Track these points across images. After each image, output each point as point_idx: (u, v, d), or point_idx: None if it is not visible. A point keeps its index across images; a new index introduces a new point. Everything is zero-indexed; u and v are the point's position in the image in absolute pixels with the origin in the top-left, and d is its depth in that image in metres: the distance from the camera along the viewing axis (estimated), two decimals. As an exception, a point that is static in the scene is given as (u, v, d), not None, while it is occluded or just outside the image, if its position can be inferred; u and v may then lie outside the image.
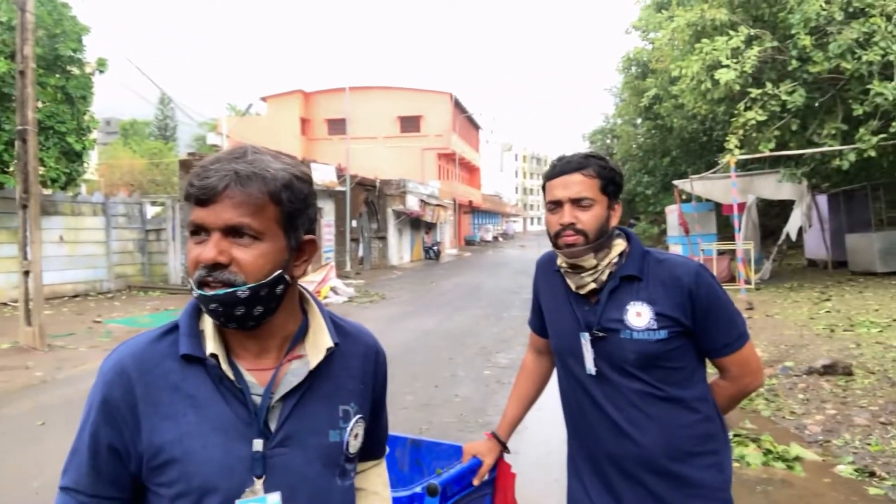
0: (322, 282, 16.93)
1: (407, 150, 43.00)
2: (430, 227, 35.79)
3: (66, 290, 16.06)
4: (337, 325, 1.23)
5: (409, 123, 44.45)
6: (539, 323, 2.01)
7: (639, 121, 27.00)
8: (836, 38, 11.56)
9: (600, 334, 1.70)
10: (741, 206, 14.47)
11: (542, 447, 4.83)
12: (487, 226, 62.96)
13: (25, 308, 9.39)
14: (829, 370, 6.39)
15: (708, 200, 17.23)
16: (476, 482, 1.88)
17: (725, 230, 19.78)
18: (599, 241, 1.70)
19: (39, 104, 14.22)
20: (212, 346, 1.10)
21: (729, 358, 1.72)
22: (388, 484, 1.42)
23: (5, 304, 14.04)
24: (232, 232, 1.04)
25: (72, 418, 5.38)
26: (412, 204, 31.25)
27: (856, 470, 4.34)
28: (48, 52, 14.94)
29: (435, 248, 34.33)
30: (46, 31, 14.78)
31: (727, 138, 13.32)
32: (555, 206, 1.73)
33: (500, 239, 64.79)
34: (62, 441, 5.34)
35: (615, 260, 1.73)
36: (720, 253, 15.48)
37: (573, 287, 1.76)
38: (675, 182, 17.56)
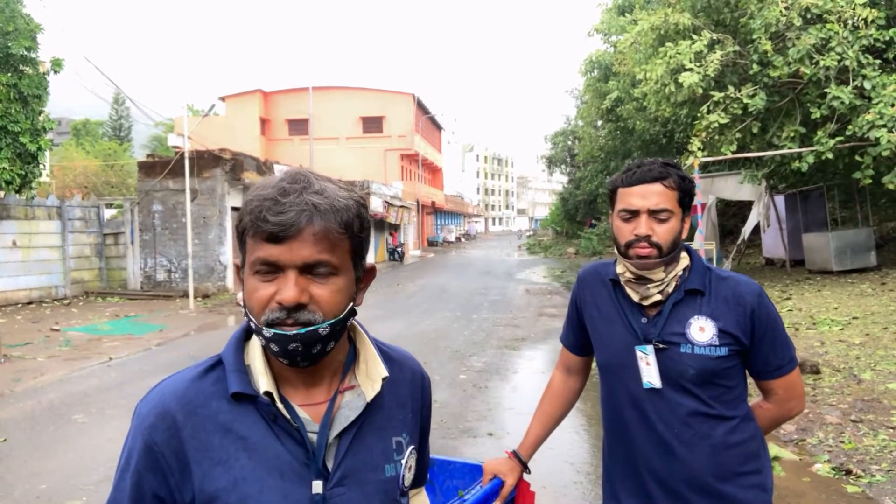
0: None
1: (370, 151, 42.74)
2: (395, 228, 35.64)
3: (19, 297, 15.50)
4: (383, 352, 1.17)
5: (372, 124, 44.19)
6: (574, 340, 1.96)
7: (600, 123, 27.36)
8: (795, 43, 11.85)
9: (661, 346, 1.66)
10: (703, 207, 14.76)
11: (546, 457, 4.82)
12: (450, 226, 63.01)
13: (-20, 317, 9.01)
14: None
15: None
16: (499, 503, 1.84)
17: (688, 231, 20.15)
18: (672, 254, 1.67)
19: (-9, 104, 13.71)
20: (265, 383, 1.03)
21: (778, 381, 1.72)
22: (436, 488, 1.37)
23: (-45, 312, 13.48)
24: (308, 269, 0.98)
25: (35, 433, 5.16)
26: (376, 205, 31.06)
27: (832, 468, 4.45)
28: (0, 50, 14.41)
29: (399, 249, 34.19)
30: (-2, 29, 14.26)
31: (690, 140, 13.55)
32: (630, 214, 1.67)
33: (463, 239, 64.94)
34: (27, 458, 5.15)
35: (680, 273, 1.70)
36: (683, 253, 15.75)
37: (636, 298, 1.72)
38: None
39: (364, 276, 1.10)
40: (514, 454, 1.94)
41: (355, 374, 1.11)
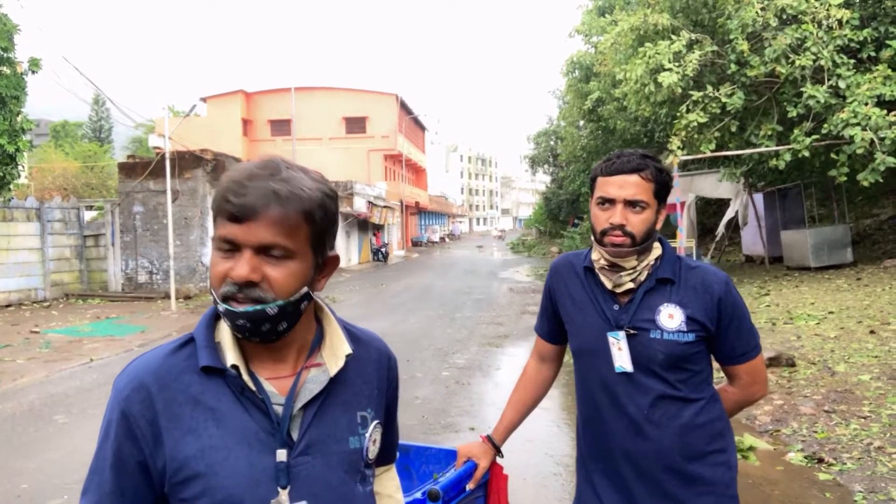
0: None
1: (353, 152, 42.67)
2: (378, 228, 35.63)
3: (-2, 299, 15.32)
4: (350, 333, 1.23)
5: (355, 124, 44.11)
6: (548, 328, 2.01)
7: (582, 123, 27.54)
8: (772, 43, 12.04)
9: (632, 332, 1.73)
10: (682, 205, 14.92)
11: (504, 447, 4.88)
12: (434, 227, 63.05)
13: (-42, 319, 8.91)
14: (773, 362, 6.67)
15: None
16: (471, 486, 1.88)
17: (666, 228, 20.37)
18: (645, 244, 1.73)
19: (-33, 105, 13.55)
20: (232, 357, 1.08)
21: (743, 366, 1.80)
22: (401, 488, 1.42)
23: (-68, 315, 13.30)
24: (264, 250, 1.03)
25: (15, 434, 5.15)
26: (359, 206, 31.04)
27: (805, 457, 4.55)
28: (-24, 50, 14.24)
29: (383, 249, 34.18)
30: (-26, 29, 14.08)
31: (670, 139, 13.70)
32: (606, 203, 1.73)
33: (447, 240, 65.00)
34: (7, 459, 5.14)
35: (652, 262, 1.77)
36: (664, 251, 15.92)
37: (609, 285, 1.77)
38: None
39: (326, 264, 1.14)
40: (488, 438, 2.00)
41: (321, 353, 1.17)
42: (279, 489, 1.07)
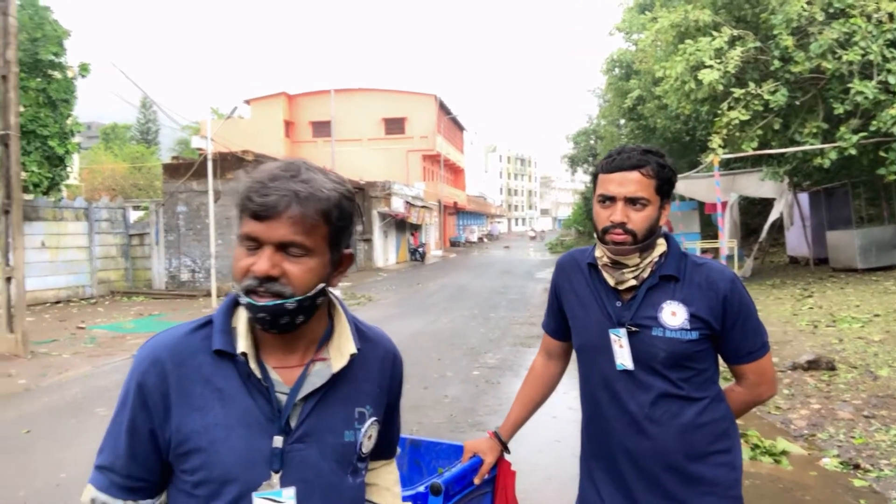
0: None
1: (392, 152, 42.95)
2: (416, 228, 35.78)
3: (47, 296, 15.89)
4: (360, 331, 1.29)
5: (394, 125, 44.39)
6: (555, 325, 2.00)
7: (622, 121, 27.18)
8: (817, 38, 11.70)
9: (633, 329, 1.71)
10: (724, 205, 14.60)
11: (532, 446, 4.85)
12: (472, 227, 63.01)
13: (7, 315, 9.27)
14: (812, 365, 6.48)
15: (691, 200, 17.36)
16: (477, 481, 1.88)
17: (708, 229, 19.95)
18: (647, 241, 1.70)
19: (21, 108, 14.06)
20: (243, 344, 1.16)
21: (749, 365, 1.76)
22: (399, 481, 1.46)
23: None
24: (284, 247, 1.10)
25: (58, 426, 5.31)
26: (397, 206, 31.24)
27: (841, 463, 4.41)
28: (29, 55, 14.80)
29: (420, 249, 34.31)
30: (28, 35, 14.63)
31: (710, 138, 13.43)
32: (607, 200, 1.70)
33: (485, 240, 64.89)
34: (49, 449, 5.31)
35: (655, 259, 1.74)
36: (703, 251, 15.61)
37: (612, 282, 1.75)
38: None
39: (341, 262, 1.20)
40: (495, 434, 1.99)
41: (328, 348, 1.23)
42: (272, 472, 1.14)
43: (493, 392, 6.97)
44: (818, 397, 5.73)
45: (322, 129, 42.53)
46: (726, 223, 15.08)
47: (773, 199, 15.37)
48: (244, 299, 1.10)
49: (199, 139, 18.73)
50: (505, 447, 1.99)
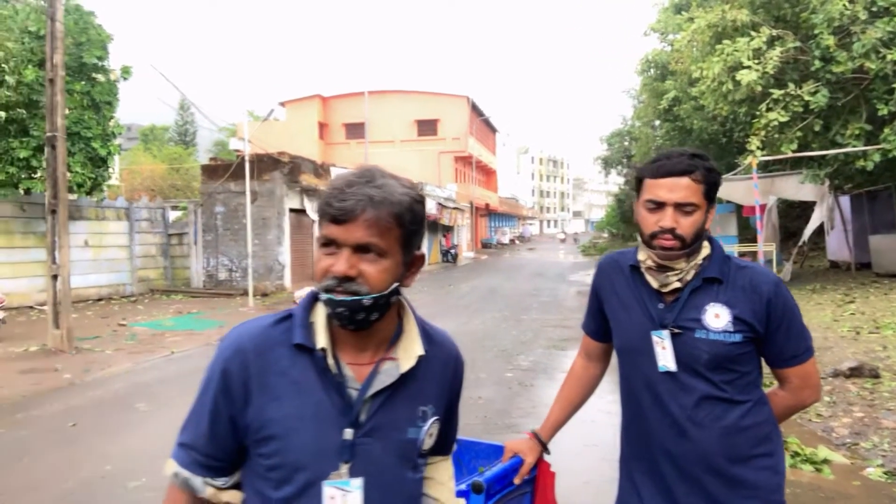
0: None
1: (424, 154, 43.09)
2: (448, 229, 35.83)
3: (90, 293, 16.31)
4: (426, 333, 1.35)
5: (427, 127, 44.56)
6: (595, 327, 2.01)
7: (657, 122, 26.85)
8: (860, 37, 11.43)
9: (676, 331, 1.71)
10: (762, 208, 14.34)
11: (569, 450, 4.84)
12: (504, 228, 62.85)
13: (54, 311, 9.56)
14: (855, 373, 6.34)
15: (728, 202, 17.08)
16: (517, 481, 1.89)
17: (745, 232, 19.60)
18: (695, 245, 1.71)
19: (66, 111, 14.48)
20: (322, 340, 1.24)
21: (793, 369, 1.75)
22: (454, 477, 1.50)
23: (32, 307, 14.30)
24: (361, 248, 1.18)
25: (102, 420, 5.46)
26: (429, 207, 31.33)
27: (885, 472, 4.32)
28: (74, 59, 15.19)
29: (452, 250, 34.36)
30: (73, 40, 15.04)
31: (749, 139, 13.21)
32: (656, 206, 1.70)
33: (517, 242, 64.66)
34: (94, 442, 5.47)
35: (700, 262, 1.74)
36: (741, 255, 15.35)
37: (656, 285, 1.76)
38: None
39: (413, 262, 1.28)
40: (535, 435, 2.00)
41: (397, 349, 1.30)
42: (341, 463, 1.21)
43: (527, 394, 6.96)
44: (861, 405, 5.61)
45: (355, 130, 42.89)
46: (766, 226, 14.82)
47: (814, 203, 15.07)
48: (324, 296, 1.19)
49: (237, 141, 19.05)
50: (545, 448, 2.01)
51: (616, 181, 45.68)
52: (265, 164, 18.61)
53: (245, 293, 16.57)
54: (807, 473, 4.35)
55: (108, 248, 17.15)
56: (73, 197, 15.96)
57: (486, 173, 56.52)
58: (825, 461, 4.46)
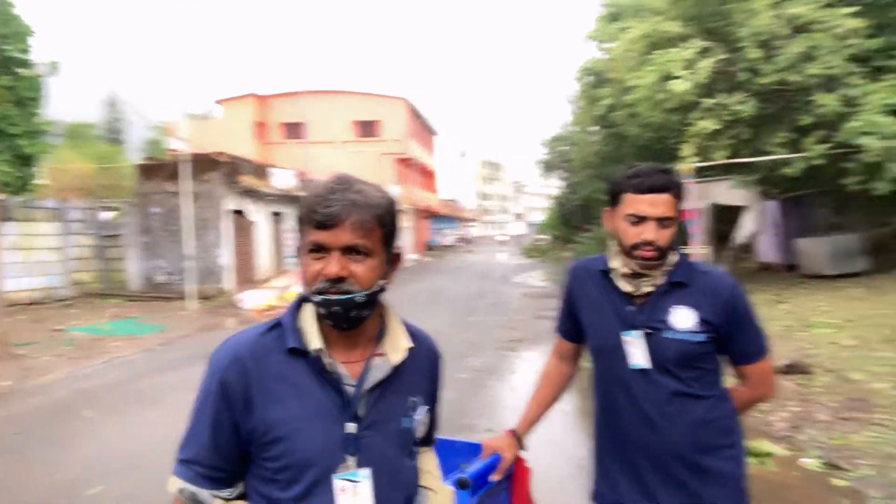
0: (286, 287, 16.83)
1: (365, 155, 42.80)
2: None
3: (21, 297, 15.55)
4: (409, 329, 1.46)
5: (366, 128, 44.36)
6: (568, 328, 2.14)
7: (595, 128, 27.54)
8: (783, 51, 12.10)
9: (647, 331, 1.85)
10: (697, 212, 14.95)
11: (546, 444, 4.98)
12: (446, 231, 63.15)
13: (-15, 317, 9.12)
14: (790, 370, 6.74)
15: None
16: (497, 477, 1.97)
17: (681, 235, 20.35)
18: (668, 253, 1.87)
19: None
20: (317, 342, 1.30)
21: (752, 366, 1.93)
22: (439, 465, 1.60)
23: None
24: (349, 250, 1.26)
25: (47, 427, 5.30)
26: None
27: (822, 463, 4.63)
28: (-4, 53, 14.50)
29: (395, 253, 34.26)
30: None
31: (682, 147, 13.76)
32: (638, 220, 1.83)
33: (460, 244, 65.07)
34: (41, 450, 5.31)
35: (668, 267, 1.89)
36: (677, 257, 15.95)
37: (631, 290, 1.89)
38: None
39: (393, 260, 1.38)
40: (512, 432, 2.10)
41: (383, 345, 1.37)
42: (347, 456, 1.28)
43: (480, 395, 7.10)
44: (797, 400, 5.98)
45: (294, 130, 42.23)
46: (699, 230, 15.48)
47: (745, 207, 15.83)
48: (318, 298, 1.25)
49: (174, 140, 18.54)
50: (522, 444, 2.11)
51: (556, 184, 46.47)
52: (204, 164, 18.15)
53: (184, 296, 16.15)
54: (752, 465, 4.62)
55: (38, 251, 16.40)
56: (1, 197, 15.22)
57: (427, 175, 56.69)
58: (768, 454, 4.76)
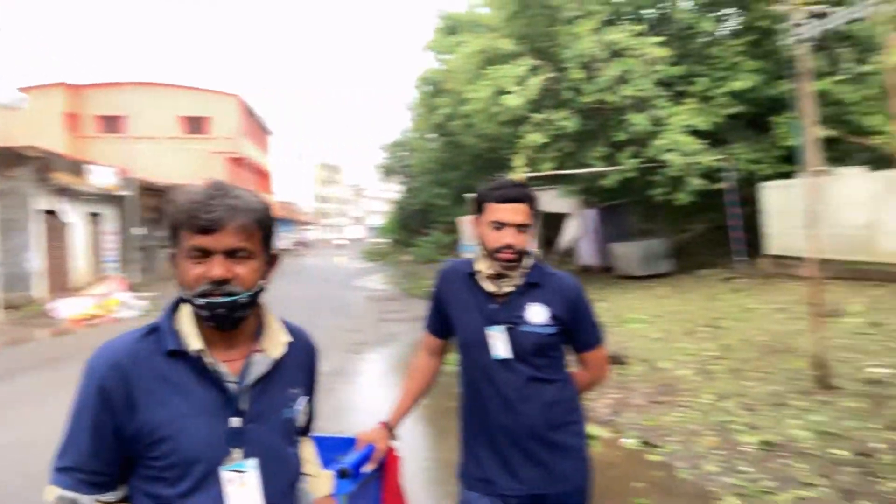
0: (106, 295, 15.58)
1: (194, 153, 40.53)
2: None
3: None
4: (286, 325, 1.56)
5: (195, 124, 42.00)
6: (438, 326, 2.36)
7: (433, 136, 28.33)
8: (602, 73, 13.33)
9: (507, 326, 2.13)
10: (527, 218, 15.96)
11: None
12: (283, 234, 61.38)
13: None
14: (610, 361, 7.50)
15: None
16: (371, 467, 2.12)
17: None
18: (525, 257, 2.14)
19: None
20: (197, 343, 1.37)
21: (591, 354, 2.28)
22: (317, 454, 1.74)
23: None
24: (231, 253, 1.33)
25: None
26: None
27: (638, 442, 5.27)
28: None
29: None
30: None
31: (514, 157, 14.66)
32: (500, 226, 2.09)
33: (297, 247, 63.58)
34: None
35: (525, 270, 2.17)
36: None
37: (494, 290, 2.16)
38: (469, 196, 18.85)
39: (272, 261, 1.46)
40: (385, 424, 2.29)
41: (262, 341, 1.46)
42: (233, 449, 1.36)
43: (327, 398, 7.11)
44: (616, 388, 6.70)
45: (112, 123, 39.06)
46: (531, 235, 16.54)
47: (568, 214, 17.18)
48: (200, 300, 1.31)
49: (-28, 132, 16.47)
50: (393, 435, 2.29)
51: (396, 189, 47.00)
52: (9, 158, 16.34)
53: (-14, 307, 14.39)
54: (581, 448, 5.15)
55: None
56: None
57: (262, 176, 54.84)
58: (594, 437, 5.31)
